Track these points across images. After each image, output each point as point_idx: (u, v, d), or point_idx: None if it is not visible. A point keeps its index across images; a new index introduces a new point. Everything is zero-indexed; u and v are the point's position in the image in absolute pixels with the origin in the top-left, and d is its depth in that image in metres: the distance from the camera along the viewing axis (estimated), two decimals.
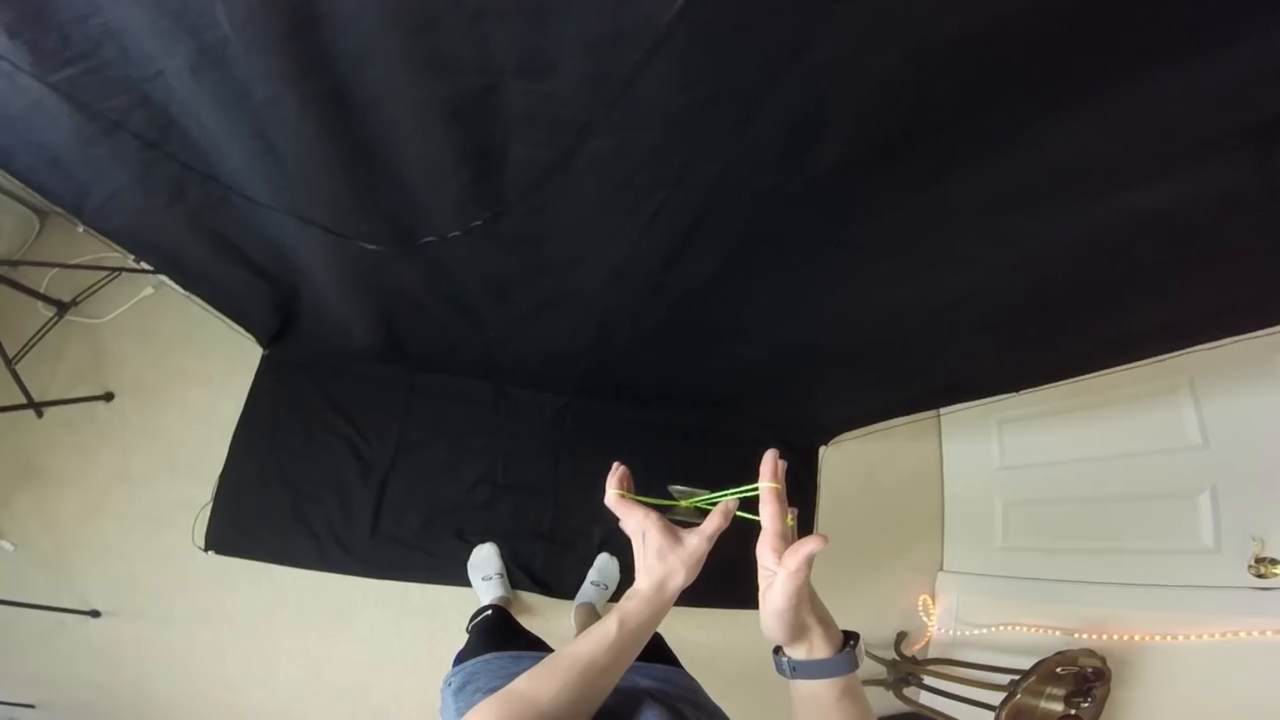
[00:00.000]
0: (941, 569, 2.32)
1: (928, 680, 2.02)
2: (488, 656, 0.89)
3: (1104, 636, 1.67)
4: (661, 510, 0.65)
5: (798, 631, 0.55)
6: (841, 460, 2.37)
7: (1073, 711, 1.55)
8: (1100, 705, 1.56)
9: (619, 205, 1.07)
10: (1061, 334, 1.32)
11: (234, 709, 1.87)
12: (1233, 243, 0.94)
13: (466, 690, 0.80)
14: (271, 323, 1.81)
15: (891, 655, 2.18)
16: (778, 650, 0.58)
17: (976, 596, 2.15)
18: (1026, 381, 1.61)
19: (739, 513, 0.62)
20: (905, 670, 2.07)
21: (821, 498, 2.30)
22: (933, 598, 2.28)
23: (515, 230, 1.17)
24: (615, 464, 0.67)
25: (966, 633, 2.08)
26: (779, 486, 0.57)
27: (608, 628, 0.60)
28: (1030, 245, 1.01)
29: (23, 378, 1.69)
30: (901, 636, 2.23)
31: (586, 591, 1.97)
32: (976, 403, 1.86)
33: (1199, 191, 0.82)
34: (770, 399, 1.97)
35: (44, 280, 1.91)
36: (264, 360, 1.97)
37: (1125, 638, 1.63)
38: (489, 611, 1.50)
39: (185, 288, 1.58)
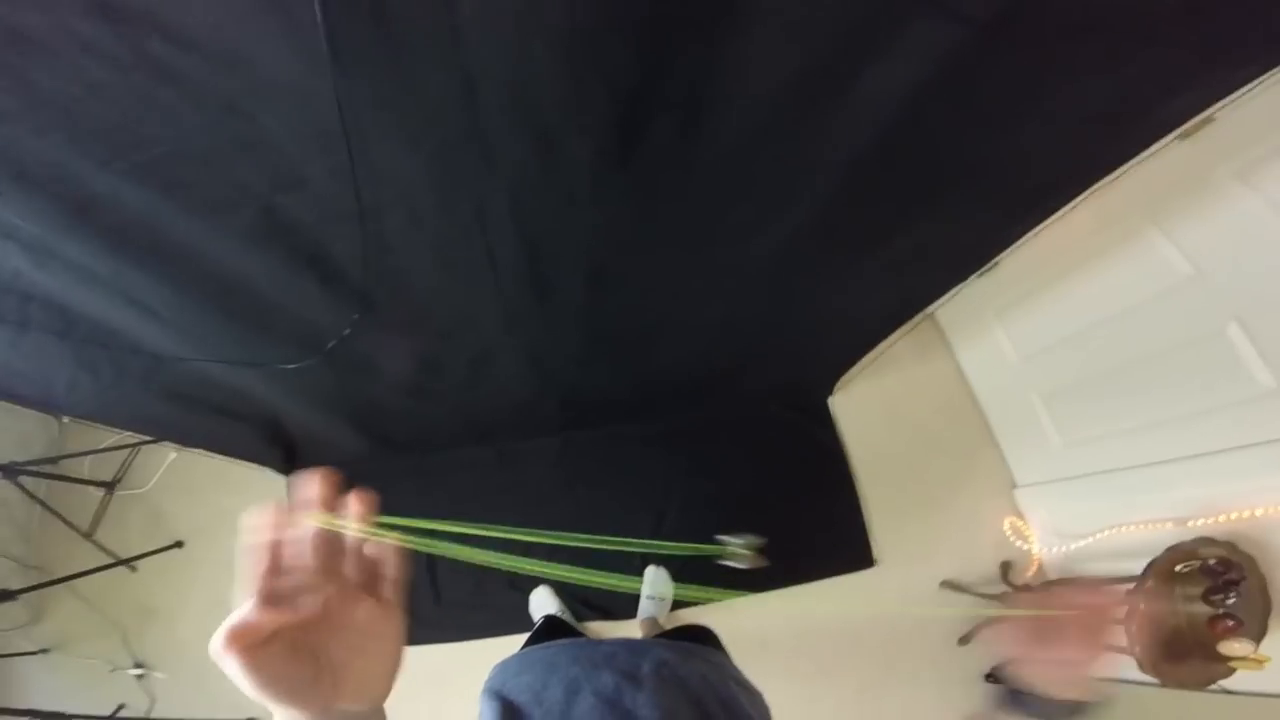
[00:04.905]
0: (1015, 485, 2.13)
1: None
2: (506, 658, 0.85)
3: (1220, 519, 1.43)
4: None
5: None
6: (856, 406, 2.25)
7: (1221, 611, 1.30)
8: (1263, 596, 1.32)
9: (457, 261, 1.11)
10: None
11: None
12: None
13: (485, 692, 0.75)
14: (273, 452, 1.97)
15: (1001, 588, 2.02)
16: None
17: (1066, 504, 1.94)
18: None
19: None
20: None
21: (853, 450, 2.20)
22: (1021, 518, 2.11)
23: (395, 312, 1.22)
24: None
25: (1074, 546, 1.86)
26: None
27: None
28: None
29: (105, 545, 2.08)
30: (1007, 567, 2.05)
31: (645, 607, 1.99)
32: (952, 295, 1.67)
33: None
34: (744, 369, 1.90)
35: (84, 468, 2.26)
36: (289, 484, 2.15)
37: (1246, 515, 1.38)
38: (540, 623, 1.38)
39: (184, 445, 1.77)
